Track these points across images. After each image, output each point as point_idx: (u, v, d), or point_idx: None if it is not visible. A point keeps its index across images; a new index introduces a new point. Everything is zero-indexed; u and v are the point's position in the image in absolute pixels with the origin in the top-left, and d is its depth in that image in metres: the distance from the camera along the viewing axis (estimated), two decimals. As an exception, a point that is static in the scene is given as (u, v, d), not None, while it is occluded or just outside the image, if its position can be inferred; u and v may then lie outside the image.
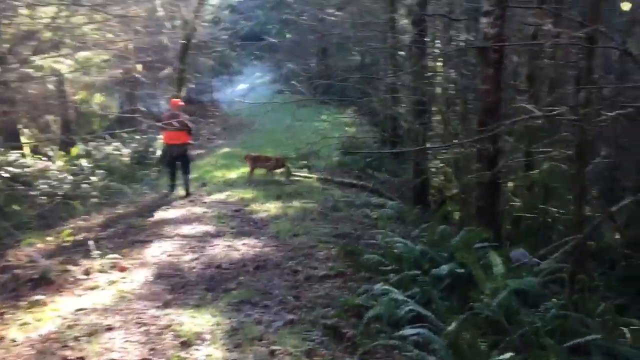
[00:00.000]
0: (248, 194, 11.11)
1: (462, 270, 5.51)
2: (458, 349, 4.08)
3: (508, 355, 3.72)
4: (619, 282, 10.34)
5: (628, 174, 12.51)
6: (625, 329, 5.86)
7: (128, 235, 8.27)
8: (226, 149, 17.22)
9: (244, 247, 7.65)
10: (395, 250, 6.40)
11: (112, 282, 6.22)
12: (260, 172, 12.62)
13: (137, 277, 6.40)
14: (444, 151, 11.77)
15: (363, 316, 5.06)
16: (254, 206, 10.08)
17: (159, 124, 10.81)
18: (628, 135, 10.39)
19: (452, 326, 4.00)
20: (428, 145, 12.14)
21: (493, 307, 4.69)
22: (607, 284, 9.85)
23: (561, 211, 8.24)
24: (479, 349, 3.99)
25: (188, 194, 11.02)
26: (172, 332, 4.96)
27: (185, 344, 4.75)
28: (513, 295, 4.97)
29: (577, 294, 6.30)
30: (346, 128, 19.47)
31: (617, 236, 9.55)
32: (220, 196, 11.01)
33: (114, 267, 6.72)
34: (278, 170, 12.55)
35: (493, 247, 6.25)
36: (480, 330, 4.65)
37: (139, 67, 14.59)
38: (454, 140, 11.07)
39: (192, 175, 12.67)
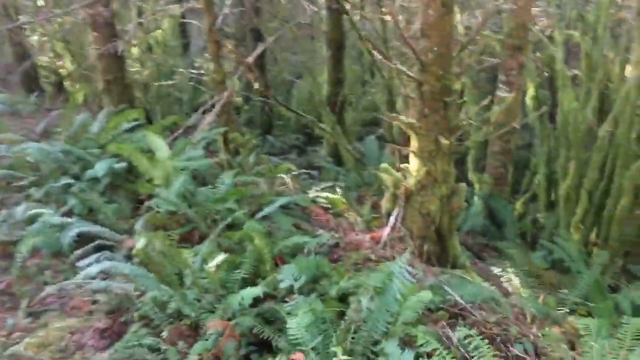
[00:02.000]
0: None
1: (122, 165, 4.58)
2: (152, 263, 3.34)
3: (222, 256, 3.13)
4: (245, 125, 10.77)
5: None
6: (284, 176, 5.95)
7: None
8: None
9: None
10: (28, 158, 5.00)
11: None
12: None
13: None
14: (45, 23, 9.77)
15: (14, 254, 3.83)
16: None
17: None
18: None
19: (141, 243, 3.18)
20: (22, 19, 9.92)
21: (172, 199, 3.99)
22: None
23: (201, 71, 7.69)
24: (178, 256, 3.31)
25: None
26: None
27: None
28: (189, 178, 4.34)
29: (235, 154, 6.06)
30: None
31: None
32: None
33: None
34: None
35: (146, 127, 5.41)
36: (166, 229, 3.95)
37: None
38: (53, 10, 9.22)
39: None
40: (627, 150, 6.38)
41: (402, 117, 4.27)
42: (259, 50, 6.05)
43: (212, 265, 3.04)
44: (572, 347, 3.06)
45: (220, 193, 4.44)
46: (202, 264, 3.31)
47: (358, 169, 7.38)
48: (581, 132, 6.63)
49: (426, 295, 2.64)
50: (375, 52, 4.76)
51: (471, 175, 7.98)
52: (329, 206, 5.64)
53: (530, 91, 7.52)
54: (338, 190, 5.98)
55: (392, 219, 4.54)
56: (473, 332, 2.41)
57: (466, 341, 2.65)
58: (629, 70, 6.54)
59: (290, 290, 3.01)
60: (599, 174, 6.50)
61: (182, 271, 3.29)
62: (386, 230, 4.54)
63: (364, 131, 10.76)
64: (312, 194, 5.78)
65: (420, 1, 3.95)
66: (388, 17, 6.24)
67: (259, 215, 4.08)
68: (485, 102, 4.21)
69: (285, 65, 13.64)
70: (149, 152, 4.79)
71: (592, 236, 6.73)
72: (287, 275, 2.93)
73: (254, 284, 3.22)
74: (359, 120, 10.54)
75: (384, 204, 4.74)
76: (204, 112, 5.73)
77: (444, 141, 4.11)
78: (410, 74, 4.06)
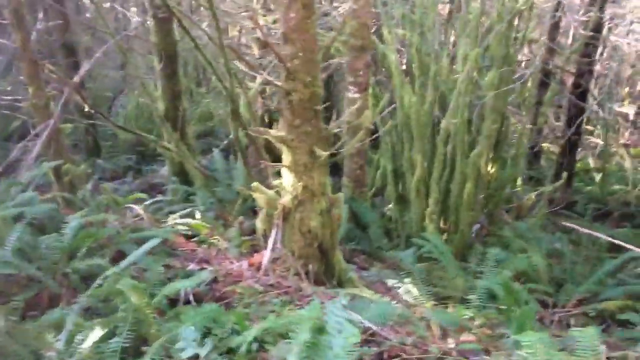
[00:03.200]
0: None
1: None
2: (-3, 350, 2.53)
3: (98, 330, 2.43)
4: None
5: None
6: (134, 206, 5.21)
7: None
8: None
9: None
10: None
11: None
12: None
13: None
14: None
15: None
16: None
17: None
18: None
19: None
20: None
21: (8, 259, 3.14)
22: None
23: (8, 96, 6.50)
24: (33, 334, 2.54)
25: None
26: None
27: None
28: (27, 228, 3.48)
29: (70, 188, 5.19)
30: None
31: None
32: None
33: None
34: None
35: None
36: (5, 298, 3.10)
37: None
38: None
39: None
40: (463, 139, 6.66)
41: (272, 131, 3.85)
42: (86, 67, 5.22)
43: (87, 345, 2.35)
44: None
45: (68, 240, 3.64)
46: (67, 339, 2.58)
47: (209, 187, 6.79)
48: (423, 125, 6.76)
49: (354, 335, 2.25)
50: (237, 62, 4.26)
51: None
52: (190, 233, 5.05)
53: (369, 90, 7.53)
54: (197, 214, 5.39)
55: (270, 241, 4.11)
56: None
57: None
58: (458, 64, 6.82)
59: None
60: (443, 164, 6.69)
61: (41, 355, 2.54)
62: (266, 255, 4.10)
63: (199, 144, 10.16)
64: (169, 222, 5.13)
65: (280, 4, 3.55)
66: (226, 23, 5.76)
67: (125, 262, 3.39)
68: (355, 107, 3.96)
69: (104, 82, 12.54)
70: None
71: (441, 224, 6.93)
72: (188, 341, 2.35)
73: (138, 352, 2.59)
74: (194, 133, 9.89)
75: (259, 224, 4.28)
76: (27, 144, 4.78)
77: (320, 152, 3.78)
78: (278, 83, 3.65)
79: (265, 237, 4.27)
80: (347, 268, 4.21)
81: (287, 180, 3.97)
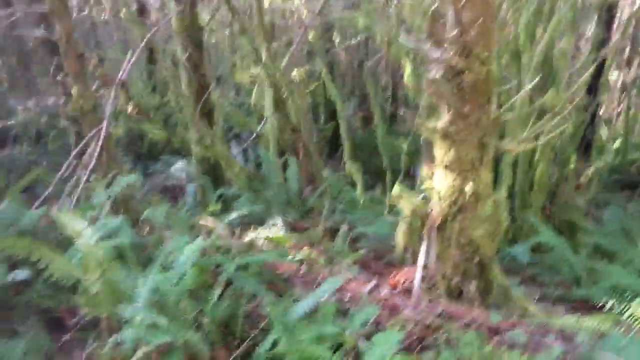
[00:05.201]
0: None
1: (24, 273, 2.54)
2: None
3: None
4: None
5: None
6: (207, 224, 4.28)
7: None
8: None
9: None
10: None
11: None
12: None
13: None
14: None
15: None
16: None
17: None
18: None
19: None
20: None
21: (160, 321, 2.23)
22: None
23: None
24: None
25: None
26: None
27: None
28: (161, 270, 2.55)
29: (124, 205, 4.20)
30: None
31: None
32: None
33: None
34: None
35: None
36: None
37: None
38: None
39: None
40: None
41: (430, 123, 3.03)
42: (131, 62, 4.22)
43: None
44: None
45: (189, 279, 2.72)
46: None
47: (253, 189, 5.85)
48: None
49: None
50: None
51: (349, 167, 6.99)
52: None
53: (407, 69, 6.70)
54: (279, 224, 4.50)
55: (420, 258, 3.32)
56: None
57: None
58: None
59: None
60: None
61: None
62: (417, 275, 3.30)
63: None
64: (250, 236, 4.23)
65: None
66: None
67: (300, 310, 2.52)
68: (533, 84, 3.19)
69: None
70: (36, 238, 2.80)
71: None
72: None
73: None
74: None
75: (400, 238, 3.47)
76: (80, 156, 3.77)
77: (500, 144, 3.00)
78: (452, 61, 2.83)
79: (405, 252, 3.48)
80: (510, 285, 3.45)
81: (443, 182, 3.17)
